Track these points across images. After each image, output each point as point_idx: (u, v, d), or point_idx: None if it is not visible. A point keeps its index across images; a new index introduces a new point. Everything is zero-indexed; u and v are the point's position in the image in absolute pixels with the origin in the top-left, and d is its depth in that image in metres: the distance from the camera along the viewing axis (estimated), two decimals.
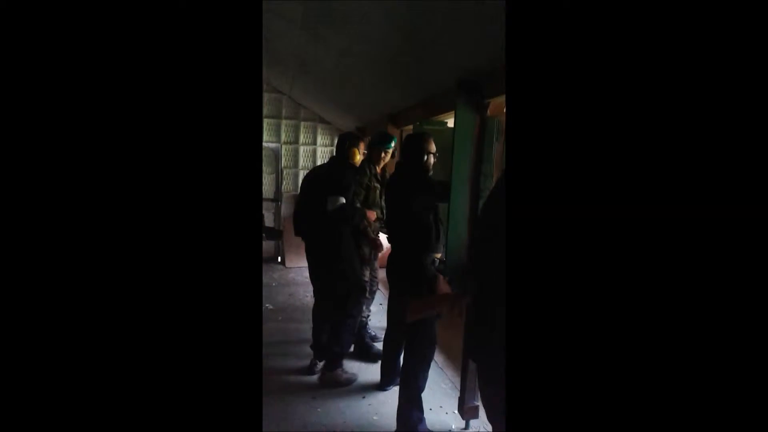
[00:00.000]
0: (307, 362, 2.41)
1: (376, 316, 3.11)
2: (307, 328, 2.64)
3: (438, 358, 2.56)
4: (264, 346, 2.59)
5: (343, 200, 2.10)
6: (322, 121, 4.90)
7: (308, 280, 2.79)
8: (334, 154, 2.31)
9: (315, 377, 2.32)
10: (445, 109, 2.13)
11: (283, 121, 4.77)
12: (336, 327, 2.23)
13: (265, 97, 4.65)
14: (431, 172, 1.91)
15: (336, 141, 2.34)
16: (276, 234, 3.72)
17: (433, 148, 1.89)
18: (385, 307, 2.27)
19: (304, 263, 2.61)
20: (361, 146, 2.29)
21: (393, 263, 1.94)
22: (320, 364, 2.36)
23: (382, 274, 2.39)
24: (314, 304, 2.52)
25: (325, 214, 2.08)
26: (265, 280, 4.06)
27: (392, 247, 1.98)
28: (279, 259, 4.85)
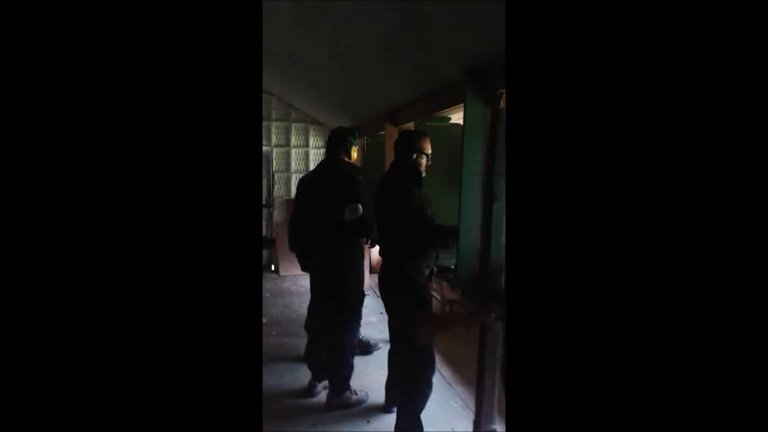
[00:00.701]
0: (305, 383, 2.21)
1: (376, 327, 2.93)
2: (305, 344, 2.45)
3: (446, 373, 2.38)
4: None
5: (361, 209, 1.90)
6: (314, 122, 4.71)
7: (304, 289, 2.61)
8: (329, 152, 2.04)
9: (314, 399, 2.12)
10: (451, 103, 1.95)
11: (273, 123, 4.57)
12: (339, 347, 2.02)
13: None
14: (424, 174, 1.75)
15: (330, 138, 2.07)
16: (268, 242, 3.51)
17: (428, 148, 1.73)
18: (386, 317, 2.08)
19: (299, 271, 2.48)
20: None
21: (386, 274, 1.74)
22: (320, 386, 2.16)
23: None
24: (309, 319, 2.32)
25: (339, 224, 1.88)
26: None
27: (383, 256, 1.78)
28: (272, 267, 4.64)
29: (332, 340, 2.05)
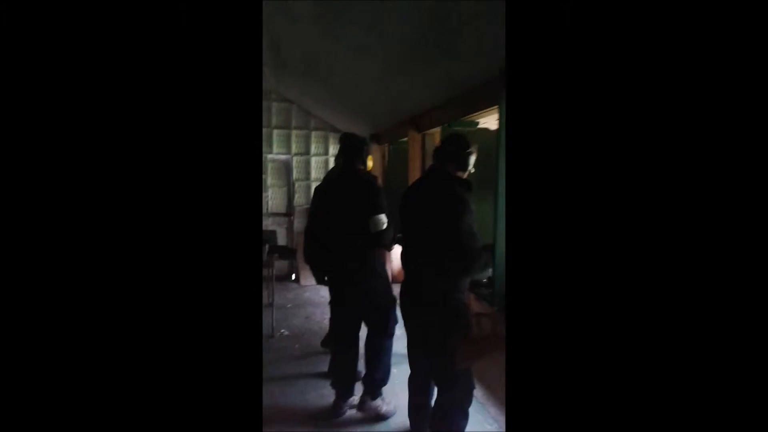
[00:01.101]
0: (330, 401, 2.12)
1: (401, 341, 2.82)
2: (329, 359, 2.37)
3: (477, 392, 2.25)
4: (280, 382, 2.32)
5: (386, 220, 1.83)
6: (334, 130, 4.66)
7: (326, 299, 2.59)
8: (345, 159, 1.95)
9: (340, 420, 2.03)
10: (481, 107, 1.85)
11: (293, 132, 4.55)
12: (376, 351, 1.98)
13: (274, 106, 4.44)
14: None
15: (343, 144, 1.99)
16: (289, 253, 3.46)
17: (475, 154, 1.56)
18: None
19: None
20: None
21: (414, 290, 1.56)
22: (345, 405, 2.07)
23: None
24: (332, 332, 2.24)
25: (361, 234, 1.81)
26: (279, 301, 3.80)
27: (410, 268, 1.61)
28: (293, 276, 4.60)
29: (370, 344, 2.00)
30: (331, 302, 2.15)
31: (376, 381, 2.00)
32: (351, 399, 2.08)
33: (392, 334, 2.03)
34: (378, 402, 2.01)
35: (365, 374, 2.04)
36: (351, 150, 1.94)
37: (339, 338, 2.12)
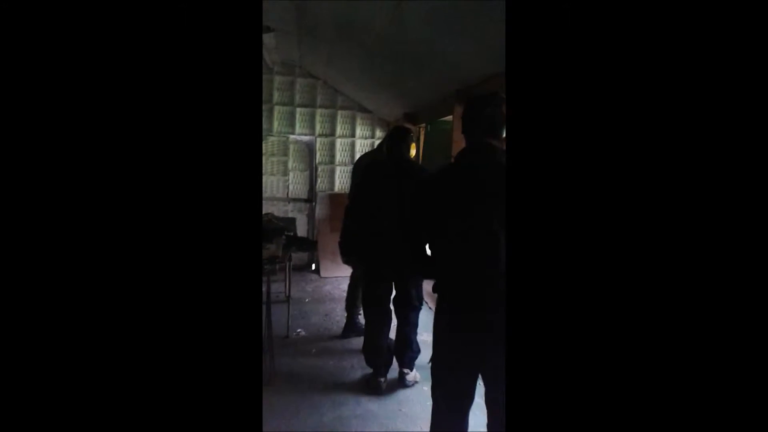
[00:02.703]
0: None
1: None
2: (347, 365, 2.07)
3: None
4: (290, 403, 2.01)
5: None
6: (362, 109, 4.29)
7: (346, 294, 2.68)
8: (394, 146, 2.06)
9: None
10: None
11: (318, 110, 4.19)
12: (408, 332, 2.15)
13: (298, 83, 4.10)
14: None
15: (393, 134, 2.13)
16: (310, 245, 3.14)
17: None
18: None
19: (342, 273, 2.63)
20: None
21: (463, 285, 1.25)
22: (384, 381, 2.13)
23: None
24: (365, 306, 2.24)
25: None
26: (297, 294, 3.50)
27: (450, 261, 1.29)
28: (313, 266, 4.30)
29: (403, 320, 2.16)
30: (364, 278, 2.24)
31: (413, 357, 2.17)
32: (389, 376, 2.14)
33: (418, 307, 2.18)
34: (414, 372, 2.18)
35: (397, 350, 2.19)
36: (398, 138, 2.06)
37: (373, 313, 2.15)
